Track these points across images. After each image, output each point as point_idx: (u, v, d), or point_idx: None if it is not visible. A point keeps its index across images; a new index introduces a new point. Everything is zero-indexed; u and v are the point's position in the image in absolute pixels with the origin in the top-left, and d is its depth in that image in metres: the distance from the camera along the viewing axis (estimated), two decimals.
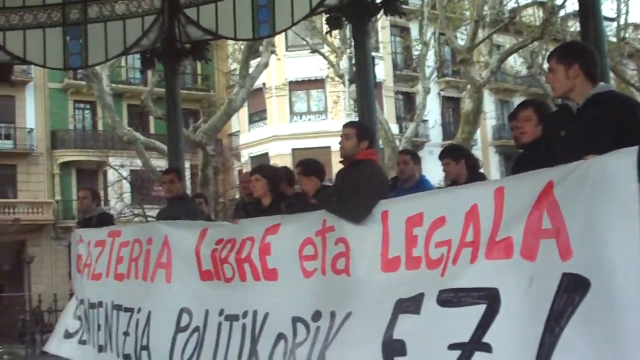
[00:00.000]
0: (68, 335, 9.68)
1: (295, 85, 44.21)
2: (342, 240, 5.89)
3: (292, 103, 44.76)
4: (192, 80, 46.80)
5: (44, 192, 42.15)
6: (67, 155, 42.37)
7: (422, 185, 8.36)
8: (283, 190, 8.00)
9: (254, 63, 27.78)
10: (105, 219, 10.38)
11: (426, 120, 41.17)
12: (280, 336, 6.18)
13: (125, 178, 38.15)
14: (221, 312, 6.92)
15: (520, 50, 30.50)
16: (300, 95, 44.94)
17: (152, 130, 40.66)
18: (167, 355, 7.36)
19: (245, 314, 6.62)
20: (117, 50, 13.50)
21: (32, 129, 42.20)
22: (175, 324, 7.38)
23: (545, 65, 7.95)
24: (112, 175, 39.43)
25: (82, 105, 44.19)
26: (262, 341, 6.38)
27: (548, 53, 5.39)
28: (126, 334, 8.16)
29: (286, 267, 6.39)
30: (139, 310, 8.03)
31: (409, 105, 45.54)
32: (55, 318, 11.77)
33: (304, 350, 5.88)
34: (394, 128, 36.49)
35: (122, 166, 37.88)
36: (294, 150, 41.12)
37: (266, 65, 27.91)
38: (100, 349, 8.69)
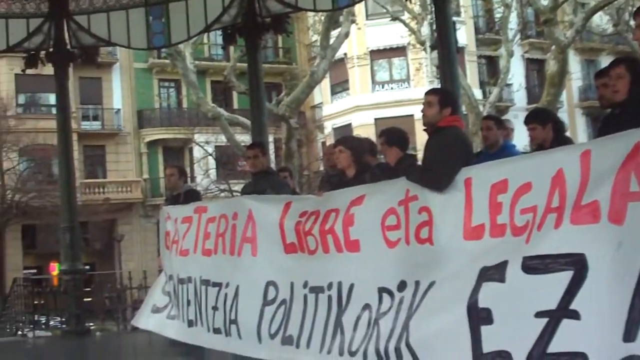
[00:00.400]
0: (156, 310, 9.86)
1: (377, 54, 44.03)
2: (425, 209, 5.84)
3: (374, 72, 44.62)
4: (273, 54, 46.97)
5: (132, 171, 42.94)
6: (154, 134, 43.06)
7: (506, 150, 8.21)
8: (367, 161, 7.97)
9: (334, 34, 27.71)
10: (192, 196, 10.45)
11: (510, 84, 40.61)
12: (366, 307, 6.18)
13: (210, 154, 38.61)
14: (305, 285, 6.96)
15: (606, 7, 29.72)
16: (382, 64, 44.76)
17: (235, 106, 40.99)
18: (255, 328, 7.44)
19: (330, 286, 6.64)
20: (198, 27, 13.62)
21: (119, 109, 43.01)
22: (262, 297, 7.45)
23: (632, 22, 7.70)
24: (197, 152, 39.97)
25: (166, 84, 44.83)
26: (347, 312, 6.40)
27: (635, 9, 5.20)
28: (215, 308, 8.26)
29: (368, 237, 6.37)
30: (227, 284, 8.12)
31: (492, 70, 44.93)
32: (145, 294, 12.01)
33: (388, 320, 5.87)
34: (477, 93, 36.10)
35: (207, 142, 38.32)
36: (376, 120, 40.96)
37: (347, 35, 27.82)
38: (190, 323, 8.82)
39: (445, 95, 6.67)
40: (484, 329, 5.02)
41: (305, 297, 6.93)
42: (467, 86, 28.53)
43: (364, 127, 39.54)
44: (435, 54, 25.25)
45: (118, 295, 16.99)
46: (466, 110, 26.84)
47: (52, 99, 32.48)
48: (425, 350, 5.46)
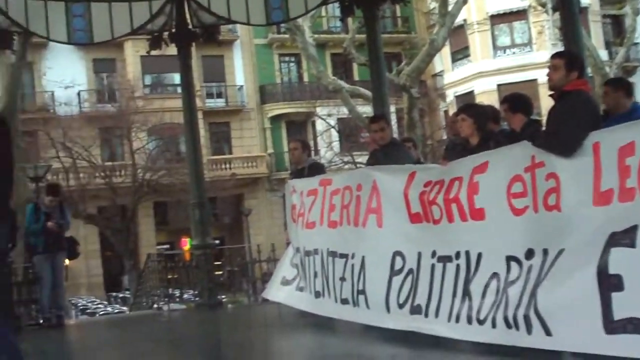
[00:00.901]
0: (285, 282, 10.03)
1: (497, 19, 43.28)
2: (553, 176, 5.75)
3: (494, 37, 43.87)
4: (392, 24, 46.75)
5: (257, 146, 43.55)
6: (277, 109, 43.51)
7: (634, 113, 7.99)
8: (490, 128, 7.88)
9: (452, 0, 27.39)
10: (316, 169, 10.49)
11: (637, 43, 39.34)
12: (494, 276, 6.16)
13: (333, 127, 38.78)
14: (433, 254, 6.96)
15: None
16: (503, 29, 43.94)
17: (356, 77, 40.98)
18: (384, 298, 7.49)
19: (457, 255, 6.63)
20: (316, 1, 13.62)
21: (241, 86, 43.63)
22: (390, 267, 7.49)
23: None
24: (320, 125, 40.20)
25: (287, 59, 45.16)
26: (475, 281, 6.38)
27: None
28: (342, 279, 8.34)
29: (493, 205, 6.33)
30: (354, 255, 8.19)
31: (617, 29, 43.58)
32: (274, 267, 12.20)
33: (516, 288, 5.85)
34: (603, 54, 35.09)
35: (329, 115, 38.48)
36: (499, 86, 40.32)
37: (465, 1, 27.45)
38: (317, 295, 8.93)
39: (571, 59, 6.53)
40: (615, 296, 4.93)
41: (432, 266, 6.94)
42: (592, 47, 27.76)
43: (487, 93, 39.02)
44: (557, 15, 24.64)
45: (245, 268, 17.26)
46: (592, 72, 26.14)
47: (177, 78, 33.09)
48: (555, 318, 5.41)
